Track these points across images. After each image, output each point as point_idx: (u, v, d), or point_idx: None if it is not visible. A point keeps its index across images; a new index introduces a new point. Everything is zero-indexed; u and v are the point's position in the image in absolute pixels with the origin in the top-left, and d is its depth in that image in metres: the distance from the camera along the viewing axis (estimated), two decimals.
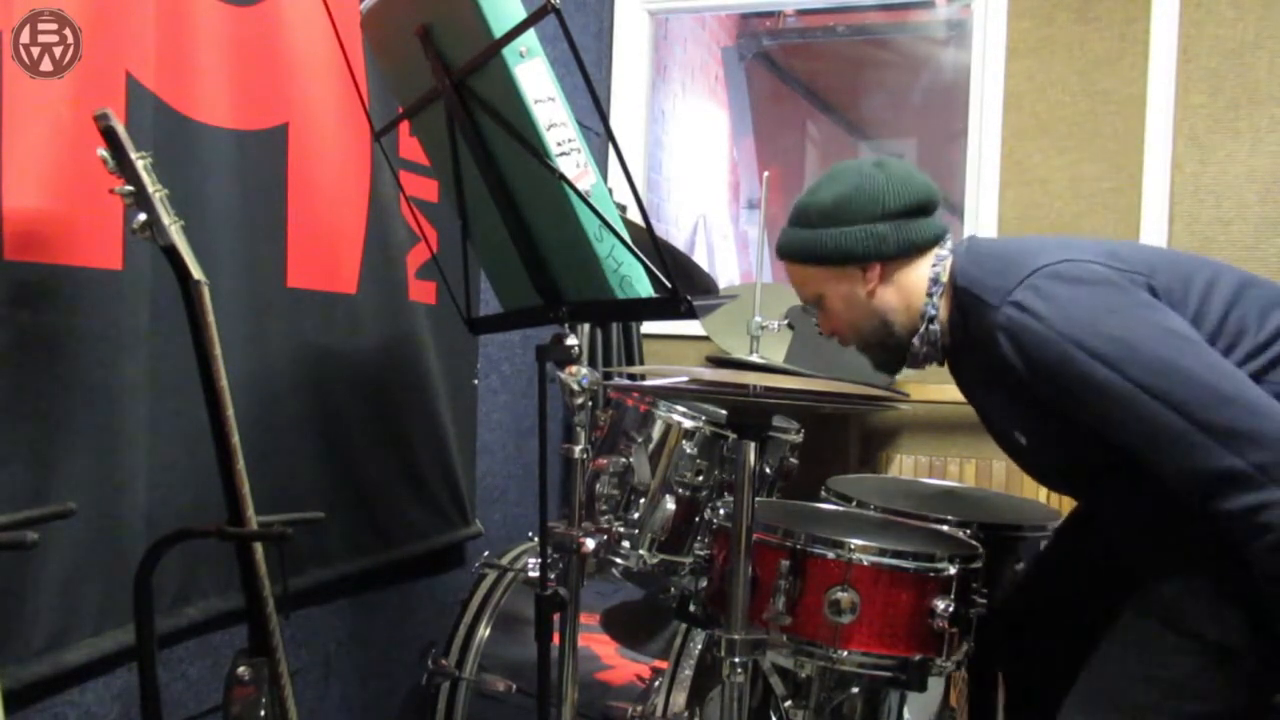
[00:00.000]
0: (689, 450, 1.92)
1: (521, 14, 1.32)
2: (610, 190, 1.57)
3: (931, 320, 1.54)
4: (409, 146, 2.18)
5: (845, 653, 1.55)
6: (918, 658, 1.55)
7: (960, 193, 3.03)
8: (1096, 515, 1.66)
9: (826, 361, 2.39)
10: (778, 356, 2.42)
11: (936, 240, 1.55)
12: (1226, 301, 1.37)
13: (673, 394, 1.91)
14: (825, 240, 1.54)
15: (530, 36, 1.32)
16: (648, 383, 1.89)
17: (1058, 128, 2.87)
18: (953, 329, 1.54)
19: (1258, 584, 1.27)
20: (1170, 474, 1.30)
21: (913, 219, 1.53)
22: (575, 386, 1.48)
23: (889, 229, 1.52)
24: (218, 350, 1.38)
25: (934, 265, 1.54)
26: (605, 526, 1.91)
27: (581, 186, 1.36)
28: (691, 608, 1.76)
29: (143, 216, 1.33)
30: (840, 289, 1.57)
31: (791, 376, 1.50)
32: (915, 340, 1.57)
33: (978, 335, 1.45)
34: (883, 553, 1.56)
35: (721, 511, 1.78)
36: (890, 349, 1.60)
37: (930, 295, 1.54)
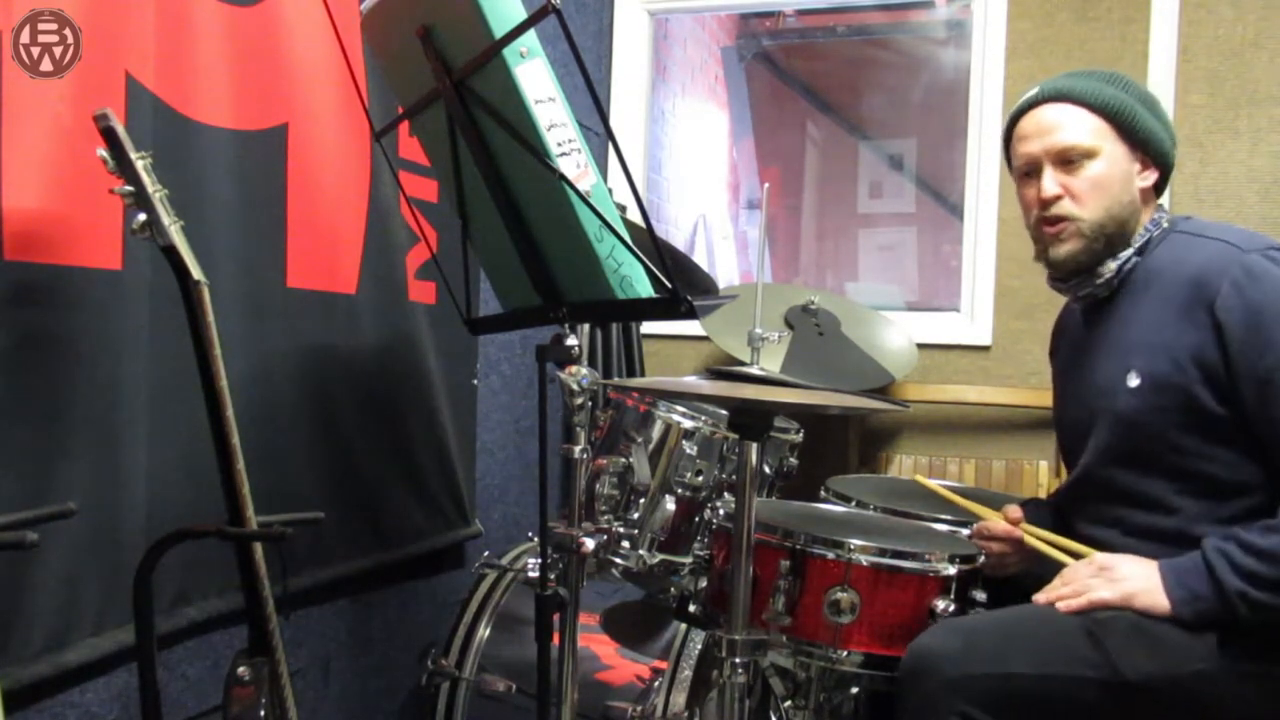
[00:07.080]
0: (689, 450, 1.92)
1: (521, 14, 1.32)
2: (610, 190, 1.57)
3: (1140, 250, 1.60)
4: (409, 146, 2.18)
5: (845, 653, 1.55)
6: None
7: (960, 193, 3.03)
8: (1092, 515, 1.66)
9: (825, 362, 2.39)
10: (778, 357, 2.42)
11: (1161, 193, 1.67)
12: None
13: (672, 394, 1.91)
14: (1141, 114, 1.59)
15: (530, 37, 1.32)
16: (649, 379, 1.88)
17: None
18: (1139, 266, 1.61)
19: None
20: None
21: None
22: (575, 386, 1.48)
23: (1174, 153, 1.64)
24: (217, 350, 1.38)
25: (1157, 210, 1.64)
26: (605, 526, 1.91)
27: (582, 187, 1.37)
28: (691, 608, 1.76)
29: (142, 216, 1.33)
30: (1120, 161, 1.59)
31: (796, 389, 1.50)
32: (1117, 259, 1.60)
33: (1182, 269, 1.53)
34: (882, 553, 1.56)
35: (721, 511, 1.78)
36: (1103, 243, 1.60)
37: (1149, 228, 1.61)
